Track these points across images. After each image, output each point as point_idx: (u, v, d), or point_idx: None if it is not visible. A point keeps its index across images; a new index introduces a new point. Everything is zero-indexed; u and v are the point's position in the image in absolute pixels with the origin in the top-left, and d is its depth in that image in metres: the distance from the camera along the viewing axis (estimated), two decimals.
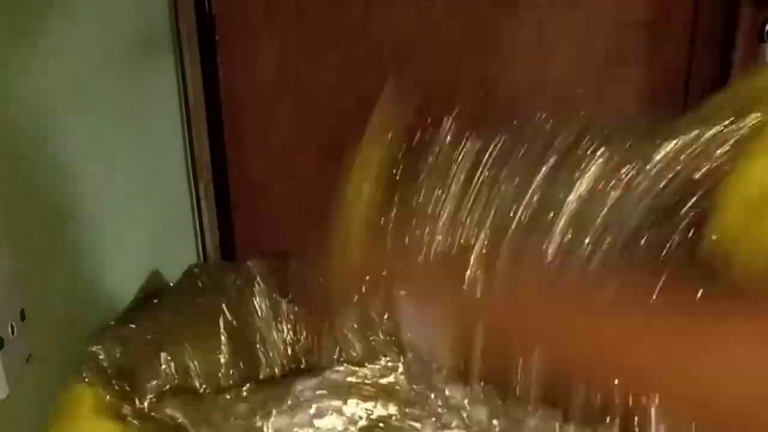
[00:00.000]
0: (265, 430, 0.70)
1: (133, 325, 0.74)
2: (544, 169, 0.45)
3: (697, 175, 0.43)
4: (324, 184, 1.32)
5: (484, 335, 0.41)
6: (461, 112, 0.48)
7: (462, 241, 0.44)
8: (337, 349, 0.77)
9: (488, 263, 0.42)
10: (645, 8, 1.07)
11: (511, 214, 0.44)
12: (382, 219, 0.48)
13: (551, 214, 0.44)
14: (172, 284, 0.91)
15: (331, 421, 0.73)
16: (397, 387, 0.75)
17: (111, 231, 0.82)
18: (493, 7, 1.07)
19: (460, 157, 0.47)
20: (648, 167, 0.44)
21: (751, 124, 0.44)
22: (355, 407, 0.74)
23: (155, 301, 0.81)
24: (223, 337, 0.76)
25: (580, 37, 1.08)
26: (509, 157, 0.46)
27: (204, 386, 0.73)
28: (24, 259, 0.64)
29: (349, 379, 0.76)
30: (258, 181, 1.18)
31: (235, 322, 0.77)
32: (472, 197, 0.45)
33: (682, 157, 0.43)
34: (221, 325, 0.76)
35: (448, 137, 0.48)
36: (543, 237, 0.43)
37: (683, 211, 0.42)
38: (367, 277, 0.46)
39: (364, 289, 0.46)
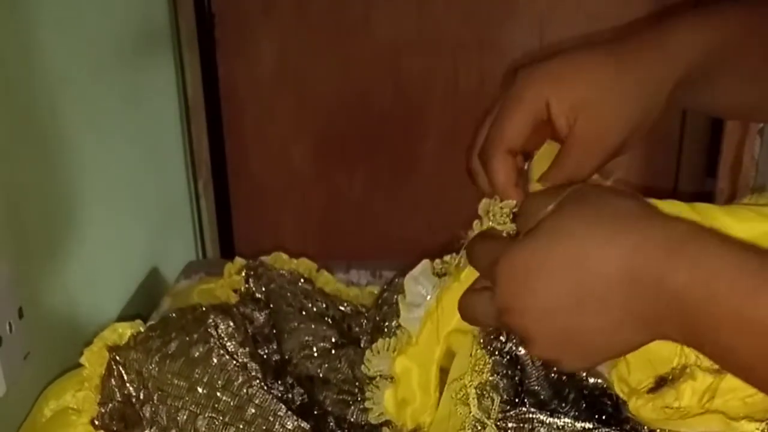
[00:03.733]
0: None
1: None
2: None
3: None
4: (323, 182, 1.34)
5: None
6: None
7: None
8: None
9: None
10: (646, 7, 1.07)
11: None
12: None
13: None
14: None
15: None
16: None
17: (109, 228, 0.82)
18: (493, 6, 1.07)
19: None
20: None
21: None
22: None
23: None
24: None
25: (581, 34, 1.08)
26: None
27: None
28: (22, 257, 0.64)
29: None
30: (257, 178, 1.17)
31: None
32: None
33: None
34: None
35: None
36: None
37: None
38: None
39: None
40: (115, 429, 0.61)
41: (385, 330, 0.62)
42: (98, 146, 0.79)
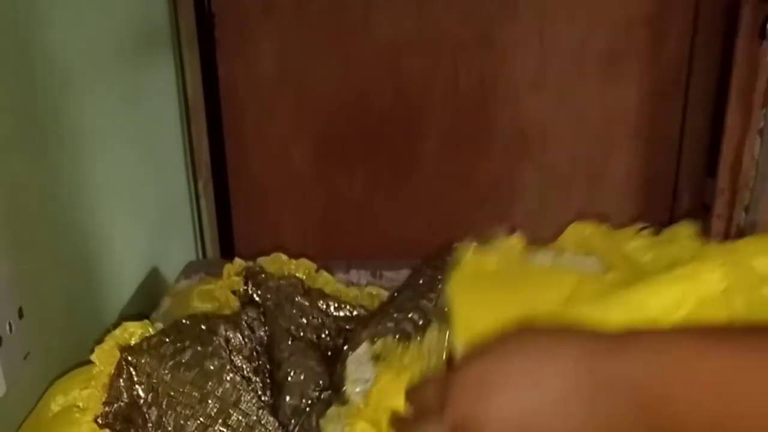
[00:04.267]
0: None
1: None
2: None
3: None
4: (323, 182, 1.33)
5: None
6: None
7: None
8: None
9: None
10: (646, 5, 1.07)
11: None
12: None
13: None
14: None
15: None
16: None
17: (110, 229, 0.82)
18: (493, 6, 1.07)
19: None
20: None
21: None
22: None
23: None
24: None
25: (581, 34, 1.08)
26: None
27: None
28: (22, 257, 0.64)
29: None
30: (257, 178, 1.18)
31: None
32: None
33: None
34: None
35: None
36: None
37: None
38: None
39: None
40: (118, 429, 0.62)
41: (341, 393, 0.65)
42: (98, 146, 0.79)
